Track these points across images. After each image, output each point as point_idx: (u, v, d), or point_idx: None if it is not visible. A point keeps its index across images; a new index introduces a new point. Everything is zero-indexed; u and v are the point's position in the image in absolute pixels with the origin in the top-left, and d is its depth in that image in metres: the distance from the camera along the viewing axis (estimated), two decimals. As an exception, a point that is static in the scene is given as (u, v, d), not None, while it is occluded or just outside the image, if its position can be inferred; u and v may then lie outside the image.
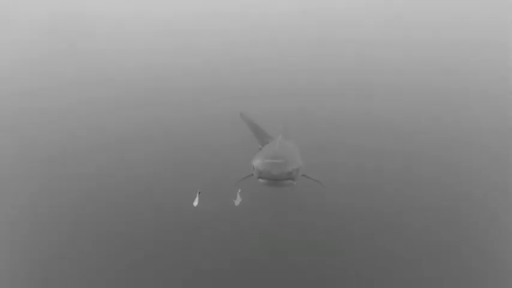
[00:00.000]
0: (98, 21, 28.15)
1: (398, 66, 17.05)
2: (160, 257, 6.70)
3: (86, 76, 16.70)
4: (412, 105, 12.82)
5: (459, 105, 12.79)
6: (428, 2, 30.63)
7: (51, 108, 13.15)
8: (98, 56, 19.74)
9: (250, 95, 13.75)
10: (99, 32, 25.18)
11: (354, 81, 15.13)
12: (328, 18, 26.70)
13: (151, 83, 15.67)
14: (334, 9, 29.16)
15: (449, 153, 9.86)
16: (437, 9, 28.37)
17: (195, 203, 5.95)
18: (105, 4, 33.76)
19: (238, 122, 9.58)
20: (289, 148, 6.88)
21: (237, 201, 6.17)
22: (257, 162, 5.87)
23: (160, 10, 31.21)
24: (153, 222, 7.53)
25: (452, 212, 7.81)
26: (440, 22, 25.04)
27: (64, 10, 31.56)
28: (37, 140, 10.87)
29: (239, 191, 6.31)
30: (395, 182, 8.76)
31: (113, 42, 22.58)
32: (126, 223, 7.58)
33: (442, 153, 9.82)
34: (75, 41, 22.48)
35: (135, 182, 8.87)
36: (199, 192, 6.10)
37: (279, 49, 20.07)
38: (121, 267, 6.54)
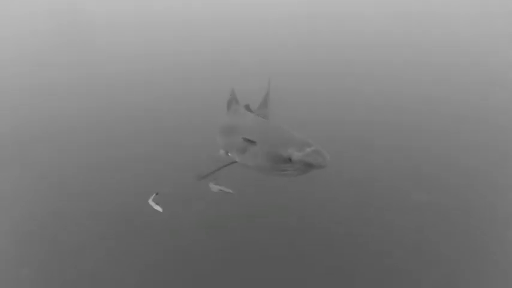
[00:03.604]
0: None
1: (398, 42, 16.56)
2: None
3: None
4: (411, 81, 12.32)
5: (454, 80, 12.24)
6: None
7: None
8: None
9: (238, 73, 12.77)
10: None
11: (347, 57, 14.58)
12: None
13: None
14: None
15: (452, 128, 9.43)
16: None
17: (159, 208, 5.06)
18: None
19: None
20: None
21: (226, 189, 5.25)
22: (298, 155, 4.80)
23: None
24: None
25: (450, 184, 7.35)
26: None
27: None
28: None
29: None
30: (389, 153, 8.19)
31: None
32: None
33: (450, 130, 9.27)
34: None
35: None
36: (156, 194, 5.05)
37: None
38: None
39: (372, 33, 17.66)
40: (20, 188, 7.34)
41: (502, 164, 7.92)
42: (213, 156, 5.62)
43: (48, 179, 7.54)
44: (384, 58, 14.39)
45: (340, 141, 8.23)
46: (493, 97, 11.20)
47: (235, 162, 5.42)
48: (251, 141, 5.18)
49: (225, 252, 5.79)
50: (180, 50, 15.68)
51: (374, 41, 16.36)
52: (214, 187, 5.13)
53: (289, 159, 4.84)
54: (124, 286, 5.32)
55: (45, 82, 12.61)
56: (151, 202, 4.91)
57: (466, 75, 12.73)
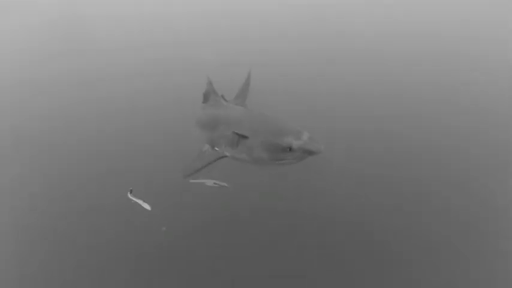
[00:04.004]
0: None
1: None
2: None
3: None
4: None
5: (446, 71, 11.58)
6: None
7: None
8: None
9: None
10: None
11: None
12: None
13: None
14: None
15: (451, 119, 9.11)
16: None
17: (147, 206, 4.98)
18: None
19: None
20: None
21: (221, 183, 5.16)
22: (298, 143, 4.82)
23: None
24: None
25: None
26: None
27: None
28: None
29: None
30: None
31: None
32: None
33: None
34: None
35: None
36: (131, 191, 4.88)
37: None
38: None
39: (364, 22, 16.91)
40: (19, 186, 7.34)
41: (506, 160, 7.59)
42: (200, 152, 5.51)
43: (45, 178, 7.49)
44: (374, 48, 13.69)
45: (326, 132, 8.01)
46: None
47: (225, 156, 5.32)
48: (243, 135, 5.08)
49: (218, 249, 5.72)
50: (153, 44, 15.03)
51: (368, 32, 15.58)
52: (208, 181, 5.06)
53: (289, 148, 4.79)
54: (124, 285, 5.30)
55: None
56: (138, 200, 4.86)
57: (459, 65, 12.18)
